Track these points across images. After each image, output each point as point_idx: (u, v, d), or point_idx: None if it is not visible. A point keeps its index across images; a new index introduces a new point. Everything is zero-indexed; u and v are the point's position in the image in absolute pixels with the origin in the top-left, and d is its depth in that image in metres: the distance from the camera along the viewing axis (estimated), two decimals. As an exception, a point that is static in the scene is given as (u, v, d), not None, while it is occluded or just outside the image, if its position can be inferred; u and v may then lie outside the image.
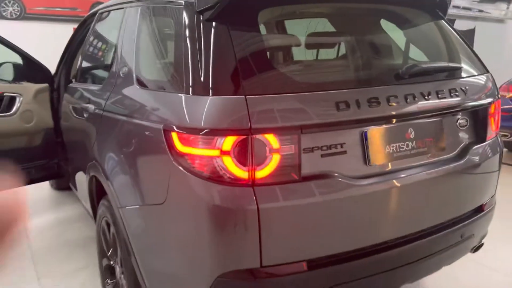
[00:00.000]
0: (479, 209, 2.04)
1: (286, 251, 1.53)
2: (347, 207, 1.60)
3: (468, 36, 7.90)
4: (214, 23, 1.55)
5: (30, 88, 3.21)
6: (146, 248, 1.74)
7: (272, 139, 1.46)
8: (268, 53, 1.67)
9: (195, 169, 1.49)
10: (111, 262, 2.19)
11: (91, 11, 3.00)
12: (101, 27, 2.77)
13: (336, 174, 1.59)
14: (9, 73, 3.32)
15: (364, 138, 1.65)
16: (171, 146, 1.53)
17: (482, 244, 2.21)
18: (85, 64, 2.96)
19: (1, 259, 0.61)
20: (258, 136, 1.45)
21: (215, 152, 1.45)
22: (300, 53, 2.39)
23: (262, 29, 1.82)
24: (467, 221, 1.95)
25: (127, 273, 1.88)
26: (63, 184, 3.57)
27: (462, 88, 1.89)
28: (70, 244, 3.19)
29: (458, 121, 1.94)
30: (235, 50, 1.49)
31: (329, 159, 1.59)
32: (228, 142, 1.44)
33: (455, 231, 1.90)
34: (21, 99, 3.13)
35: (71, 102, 2.91)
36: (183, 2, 1.69)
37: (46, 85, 3.27)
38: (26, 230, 3.45)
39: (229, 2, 1.50)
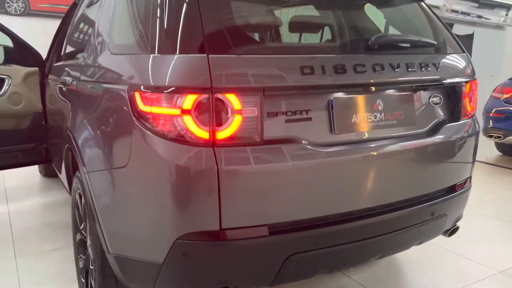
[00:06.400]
0: (452, 189, 2.01)
1: (247, 215, 1.52)
2: (310, 174, 1.59)
3: (466, 41, 7.86)
4: None
5: (19, 71, 3.23)
6: (109, 212, 1.74)
7: (233, 100, 1.46)
8: (233, 14, 1.67)
9: (157, 128, 1.49)
10: (83, 236, 2.18)
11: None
12: (85, 9, 2.79)
13: (300, 140, 1.58)
14: None
15: (330, 106, 1.64)
16: (133, 106, 1.53)
17: (457, 228, 2.17)
18: (69, 44, 2.98)
19: None
20: (220, 96, 1.44)
21: (176, 111, 1.45)
22: (267, 17, 2.26)
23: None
24: (438, 200, 1.93)
25: (93, 242, 1.87)
26: (52, 171, 3.59)
27: (435, 64, 1.88)
28: (51, 226, 3.19)
29: (431, 98, 1.93)
30: (201, 11, 1.50)
31: (294, 125, 1.59)
32: (189, 100, 1.43)
33: (425, 208, 1.88)
34: (9, 81, 3.16)
35: (53, 80, 2.92)
36: None
37: (36, 68, 3.29)
38: (8, 212, 3.46)
39: None
